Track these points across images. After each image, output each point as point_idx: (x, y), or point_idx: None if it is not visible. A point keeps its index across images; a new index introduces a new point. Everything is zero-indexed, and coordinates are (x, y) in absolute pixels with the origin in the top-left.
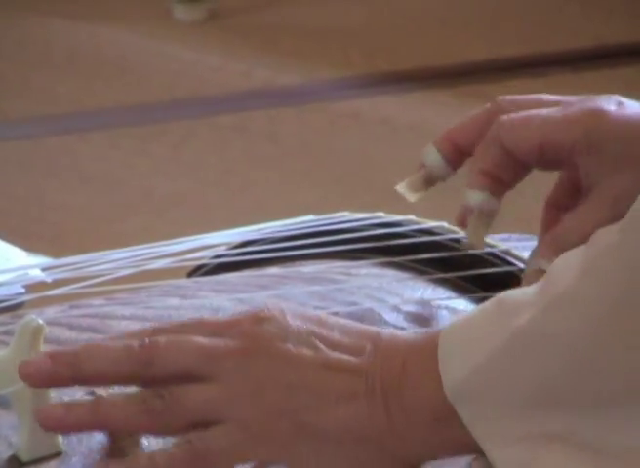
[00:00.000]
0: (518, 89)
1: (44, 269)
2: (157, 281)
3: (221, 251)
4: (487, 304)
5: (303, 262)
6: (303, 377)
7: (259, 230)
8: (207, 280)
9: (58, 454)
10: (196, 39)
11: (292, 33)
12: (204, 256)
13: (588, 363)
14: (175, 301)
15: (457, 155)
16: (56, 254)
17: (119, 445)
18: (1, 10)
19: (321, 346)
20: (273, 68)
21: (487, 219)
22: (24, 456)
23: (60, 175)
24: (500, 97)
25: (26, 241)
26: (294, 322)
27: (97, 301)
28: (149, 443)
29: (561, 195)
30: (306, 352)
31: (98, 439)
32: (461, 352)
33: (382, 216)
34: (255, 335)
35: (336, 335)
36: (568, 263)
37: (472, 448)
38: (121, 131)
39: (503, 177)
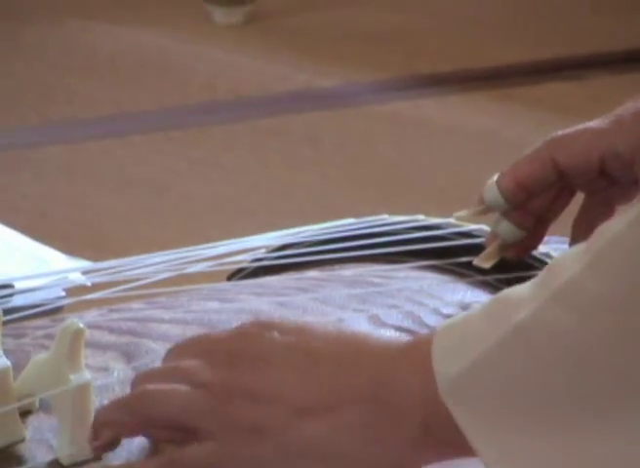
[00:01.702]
0: (554, 91)
1: (84, 272)
2: (197, 284)
3: (261, 254)
4: (486, 302)
5: (343, 265)
6: (277, 392)
7: (298, 233)
8: (247, 283)
9: (98, 459)
10: (235, 42)
11: (331, 36)
12: (244, 260)
13: (592, 359)
14: (214, 305)
15: (517, 191)
16: (96, 258)
17: (160, 449)
18: (44, 15)
19: (299, 358)
20: (312, 71)
21: (506, 248)
22: (65, 460)
23: (102, 179)
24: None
25: (67, 244)
26: (276, 335)
27: (136, 305)
28: None
29: (588, 216)
30: (282, 365)
31: (138, 443)
32: (458, 348)
33: (422, 219)
34: (238, 350)
35: (319, 344)
36: (570, 257)
37: (457, 451)
38: (162, 134)
39: (534, 190)
